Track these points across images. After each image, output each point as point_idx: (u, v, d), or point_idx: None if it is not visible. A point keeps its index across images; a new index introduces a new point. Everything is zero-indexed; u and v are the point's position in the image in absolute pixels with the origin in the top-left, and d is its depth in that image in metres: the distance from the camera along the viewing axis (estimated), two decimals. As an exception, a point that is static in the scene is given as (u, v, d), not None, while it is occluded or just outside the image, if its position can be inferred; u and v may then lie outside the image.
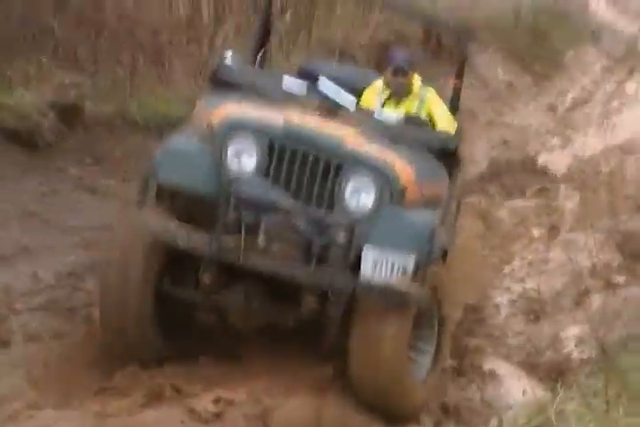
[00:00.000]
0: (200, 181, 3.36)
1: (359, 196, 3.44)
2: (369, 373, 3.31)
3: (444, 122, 4.09)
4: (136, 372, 3.23)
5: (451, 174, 3.96)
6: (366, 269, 3.23)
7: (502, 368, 4.08)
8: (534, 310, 4.67)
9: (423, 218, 3.50)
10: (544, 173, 6.43)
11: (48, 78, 5.05)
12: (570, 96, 8.45)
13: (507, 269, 5.16)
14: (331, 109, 3.75)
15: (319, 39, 6.75)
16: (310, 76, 4.04)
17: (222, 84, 3.79)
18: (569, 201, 6.03)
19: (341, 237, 3.35)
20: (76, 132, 4.80)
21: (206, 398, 3.08)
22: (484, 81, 8.41)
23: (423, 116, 4.15)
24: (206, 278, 3.29)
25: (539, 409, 2.85)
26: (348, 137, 3.51)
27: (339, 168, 3.33)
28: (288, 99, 3.69)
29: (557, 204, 5.99)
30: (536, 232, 5.59)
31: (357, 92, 4.06)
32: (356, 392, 3.39)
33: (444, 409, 3.74)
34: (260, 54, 4.41)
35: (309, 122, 3.54)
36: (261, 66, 4.38)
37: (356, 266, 3.28)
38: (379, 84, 4.18)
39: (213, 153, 3.38)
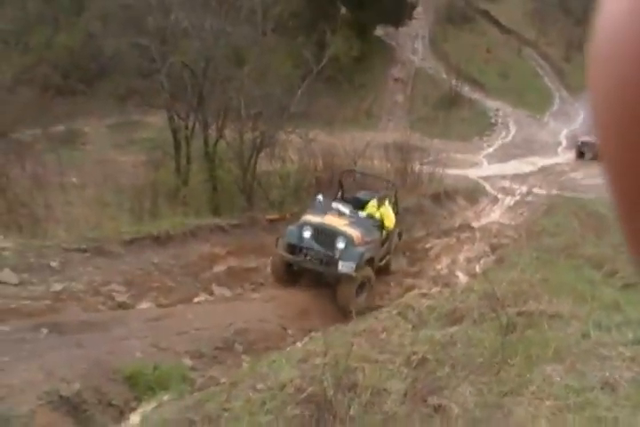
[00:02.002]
0: (296, 239, 7.82)
1: (340, 244, 7.52)
2: (340, 298, 7.45)
3: (387, 221, 8.51)
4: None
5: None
6: (340, 267, 7.36)
7: (444, 263, 10.95)
8: (469, 261, 10.39)
9: (359, 250, 7.51)
10: (472, 227, 12.33)
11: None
12: (480, 209, 14.49)
13: (462, 250, 10.94)
14: (341, 214, 8.15)
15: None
16: (355, 199, 9.44)
17: (318, 205, 8.46)
18: (478, 235, 11.63)
19: (332, 258, 7.52)
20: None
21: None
22: (448, 209, 14.21)
23: (377, 215, 8.44)
24: (296, 263, 7.97)
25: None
26: (341, 225, 7.69)
27: (335, 235, 7.63)
28: (330, 211, 8.17)
29: (475, 236, 11.61)
30: (468, 243, 11.26)
31: (366, 201, 8.99)
32: (337, 301, 7.50)
33: (418, 272, 9.78)
34: (337, 196, 9.45)
35: (329, 221, 7.79)
36: (332, 201, 8.78)
37: (336, 266, 7.49)
38: (372, 201, 8.93)
39: (300, 231, 7.89)
